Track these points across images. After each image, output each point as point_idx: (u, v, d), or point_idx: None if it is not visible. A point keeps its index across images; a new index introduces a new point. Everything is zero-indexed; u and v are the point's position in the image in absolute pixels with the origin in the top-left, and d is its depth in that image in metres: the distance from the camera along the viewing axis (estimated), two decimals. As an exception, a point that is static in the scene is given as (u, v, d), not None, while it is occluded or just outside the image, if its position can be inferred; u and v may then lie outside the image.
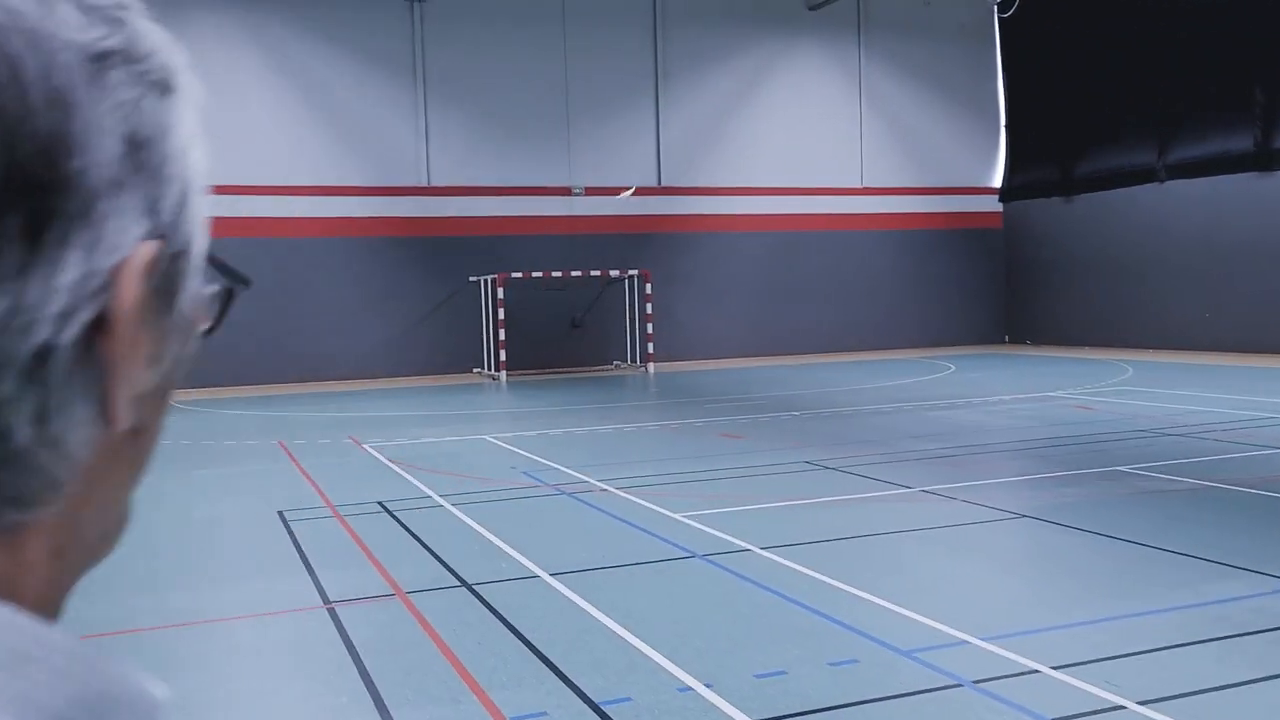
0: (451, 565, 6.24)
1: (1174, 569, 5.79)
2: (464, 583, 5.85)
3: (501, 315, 20.39)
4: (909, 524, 7.22)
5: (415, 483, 9.14)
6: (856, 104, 25.20)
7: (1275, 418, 11.73)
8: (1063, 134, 24.66)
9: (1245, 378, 16.34)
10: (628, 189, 22.27)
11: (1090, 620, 4.94)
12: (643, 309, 21.86)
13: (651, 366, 21.62)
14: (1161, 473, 8.59)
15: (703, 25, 23.53)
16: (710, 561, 6.19)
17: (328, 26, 20.70)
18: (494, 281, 20.54)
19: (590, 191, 22.73)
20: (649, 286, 21.74)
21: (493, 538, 6.92)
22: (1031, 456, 10.21)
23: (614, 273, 21.90)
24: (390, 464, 10.24)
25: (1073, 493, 8.06)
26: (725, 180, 23.97)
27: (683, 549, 6.50)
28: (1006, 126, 26.43)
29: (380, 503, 8.25)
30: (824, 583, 5.62)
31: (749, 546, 6.46)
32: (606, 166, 22.91)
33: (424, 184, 21.56)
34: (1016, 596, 5.52)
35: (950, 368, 20.24)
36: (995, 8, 25.84)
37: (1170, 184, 22.07)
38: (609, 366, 22.53)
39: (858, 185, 25.23)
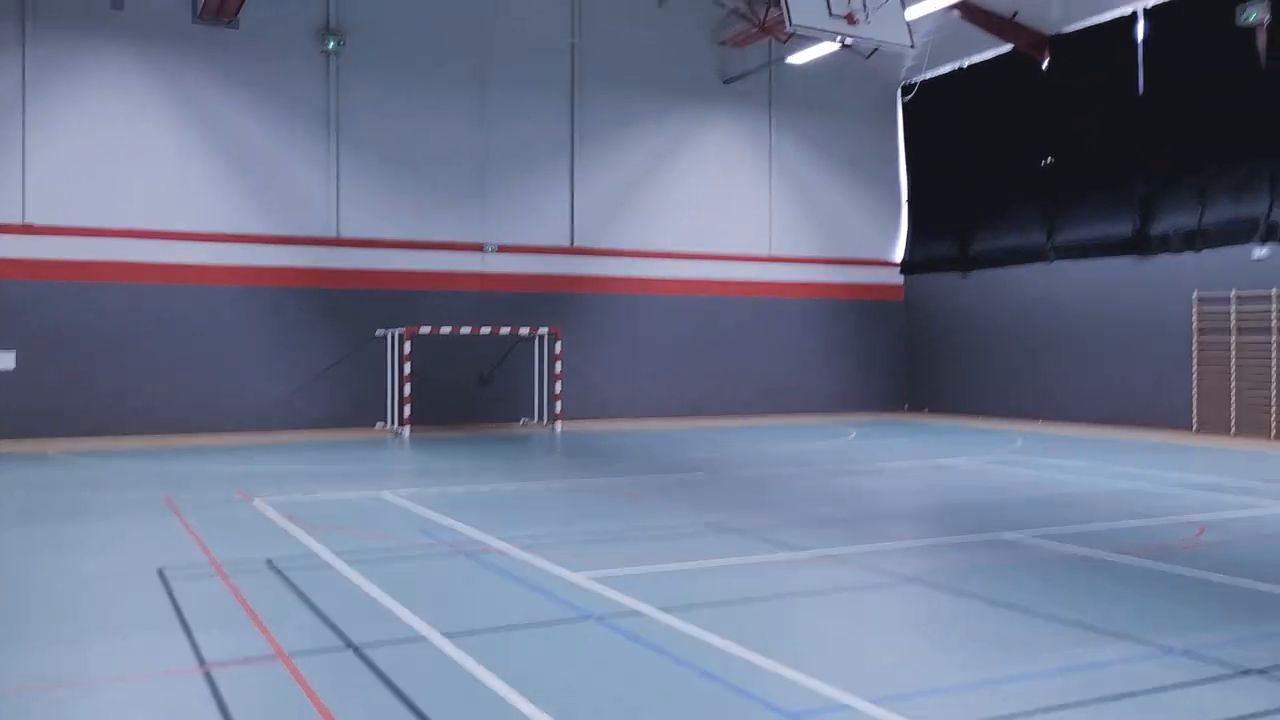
0: (338, 626, 6.09)
1: (1051, 634, 5.97)
2: (350, 644, 5.72)
3: (408, 369, 20.20)
4: (804, 587, 7.30)
5: (306, 540, 8.92)
6: (767, 175, 25.87)
7: (1151, 489, 12.23)
8: (959, 212, 25.71)
9: (1126, 450, 17.03)
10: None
11: (969, 684, 5.06)
12: (552, 367, 21.88)
13: (559, 425, 21.57)
14: (1045, 540, 8.87)
15: (620, 93, 23.98)
16: (605, 623, 6.16)
17: (239, 72, 20.52)
18: (401, 335, 20.36)
19: (503, 249, 22.78)
20: (559, 345, 21.81)
21: (384, 597, 6.79)
22: (924, 522, 10.45)
23: (524, 330, 21.91)
24: (281, 520, 9.98)
25: (961, 558, 8.26)
26: (638, 243, 24.29)
27: (578, 610, 6.47)
28: (908, 203, 27.41)
29: (268, 560, 8.03)
30: (717, 646, 5.65)
31: (645, 608, 6.45)
32: (520, 225, 23.03)
33: (333, 235, 21.34)
34: (901, 660, 5.62)
35: (853, 433, 20.64)
36: (899, 90, 26.94)
37: (1058, 263, 23.11)
38: (516, 424, 22.41)
39: (767, 253, 25.79)
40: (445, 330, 20.85)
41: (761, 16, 20.36)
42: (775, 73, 25.43)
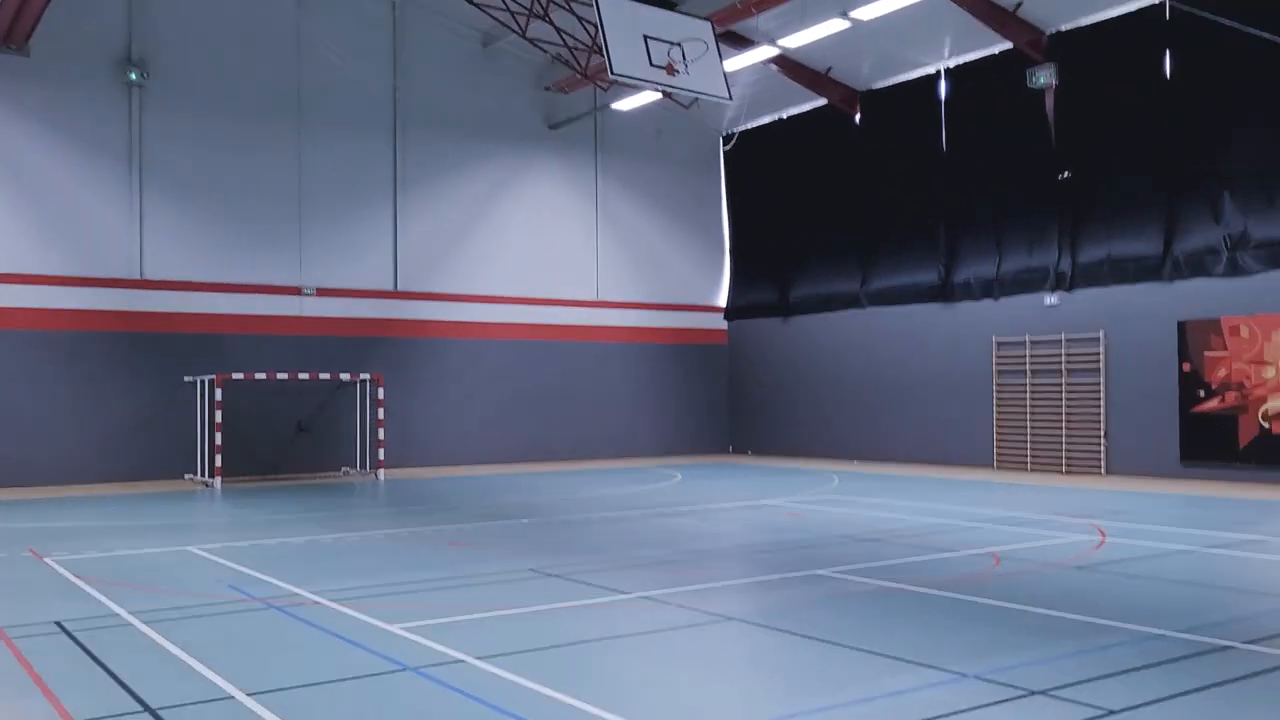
0: (134, 689, 5.71)
1: (858, 665, 6.20)
2: (146, 707, 5.37)
3: (219, 418, 19.26)
4: (624, 630, 7.34)
5: (102, 599, 8.34)
6: (593, 220, 26.19)
7: (954, 524, 12.94)
8: (780, 259, 26.71)
9: (933, 487, 17.96)
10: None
11: (781, 717, 5.19)
12: (374, 414, 21.33)
13: (382, 473, 21.01)
14: (856, 575, 9.23)
15: (443, 135, 23.84)
16: (422, 674, 6.01)
17: (31, 102, 19.31)
18: (212, 382, 19.44)
19: (323, 292, 22.15)
20: (381, 391, 21.29)
21: (186, 657, 6.41)
22: (744, 561, 10.70)
23: (345, 376, 21.30)
24: (75, 579, 9.30)
25: (777, 595, 8.49)
26: (463, 287, 24.08)
27: (395, 662, 6.29)
28: (731, 249, 28.28)
29: (58, 622, 7.46)
30: (535, 691, 5.60)
31: (464, 657, 6.33)
32: (341, 268, 22.47)
33: (136, 276, 20.24)
34: (718, 697, 5.71)
35: (677, 476, 20.96)
36: (721, 139, 27.88)
37: (871, 310, 24.30)
38: (338, 473, 21.68)
39: (593, 298, 26.04)
40: (260, 376, 20.05)
41: (584, 64, 20.73)
42: (600, 119, 25.88)
